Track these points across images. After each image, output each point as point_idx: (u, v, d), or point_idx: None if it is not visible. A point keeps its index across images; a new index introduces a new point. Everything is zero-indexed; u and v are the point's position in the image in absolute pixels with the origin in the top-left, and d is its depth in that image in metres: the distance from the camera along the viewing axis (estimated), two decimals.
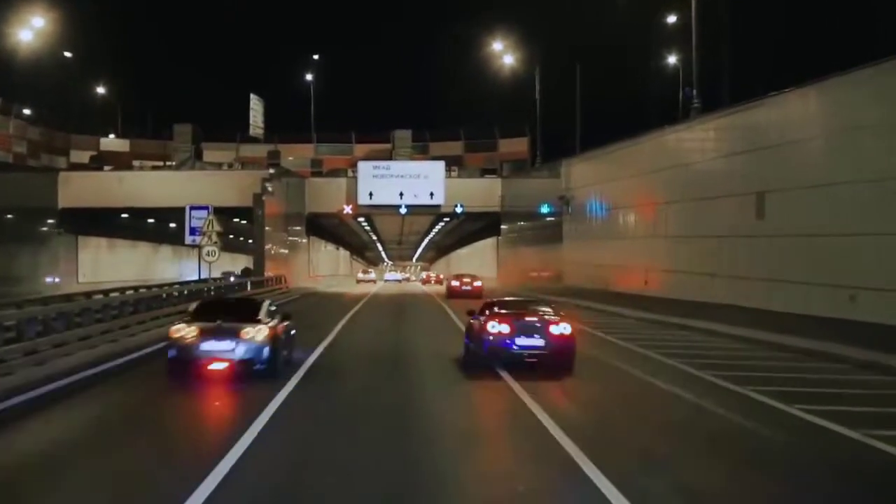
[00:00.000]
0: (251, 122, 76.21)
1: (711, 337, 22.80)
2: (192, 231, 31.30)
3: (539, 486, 8.57)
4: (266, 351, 14.05)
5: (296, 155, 66.16)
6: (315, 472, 8.89)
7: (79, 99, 64.81)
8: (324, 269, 74.35)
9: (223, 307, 16.02)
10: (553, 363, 15.56)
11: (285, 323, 15.59)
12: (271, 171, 50.85)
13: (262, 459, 9.17)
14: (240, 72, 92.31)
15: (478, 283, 44.98)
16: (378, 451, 9.75)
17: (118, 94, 68.41)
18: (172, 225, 67.25)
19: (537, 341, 15.59)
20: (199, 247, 30.29)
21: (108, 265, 59.05)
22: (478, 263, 78.74)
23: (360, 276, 75.22)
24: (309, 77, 75.74)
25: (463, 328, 18.71)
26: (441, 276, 68.58)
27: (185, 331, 14.00)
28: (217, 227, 29.32)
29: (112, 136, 65.79)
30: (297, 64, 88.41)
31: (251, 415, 11.15)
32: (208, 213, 30.65)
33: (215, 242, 29.32)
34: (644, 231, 32.46)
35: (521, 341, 15.59)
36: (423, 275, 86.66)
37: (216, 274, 33.33)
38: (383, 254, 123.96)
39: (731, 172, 25.34)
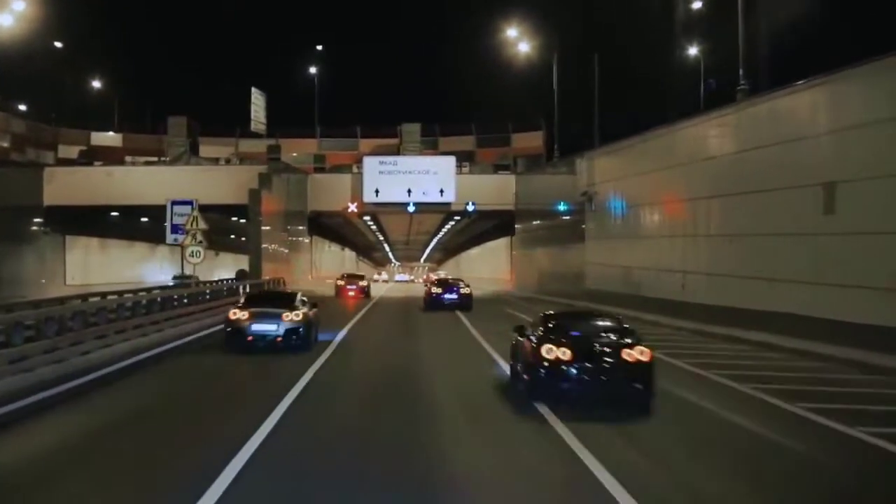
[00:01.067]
0: (252, 117, 73.03)
1: (775, 352, 19.39)
2: (175, 229, 27.98)
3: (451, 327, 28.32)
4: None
5: (298, 150, 62.83)
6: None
7: (72, 93, 61.70)
8: (328, 270, 71.13)
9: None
10: (461, 305, 33.56)
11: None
12: (271, 165, 47.56)
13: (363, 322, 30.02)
14: (241, 65, 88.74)
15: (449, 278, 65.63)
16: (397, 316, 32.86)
17: (114, 89, 65.38)
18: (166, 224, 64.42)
19: (454, 296, 34.25)
20: (181, 247, 26.97)
21: (99, 266, 56.03)
22: (489, 265, 75.66)
23: (375, 276, 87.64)
24: (312, 70, 72.62)
25: None
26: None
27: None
28: (202, 225, 26.00)
29: (112, 133, 62.54)
30: (300, 57, 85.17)
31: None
32: (192, 208, 27.31)
33: (200, 242, 25.98)
34: (680, 229, 29.04)
35: (447, 296, 34.13)
36: (425, 275, 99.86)
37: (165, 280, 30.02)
38: (390, 254, 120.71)
39: (790, 161, 21.93)
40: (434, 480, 8.57)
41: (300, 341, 18.36)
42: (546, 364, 11.68)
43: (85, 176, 48.91)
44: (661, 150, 31.21)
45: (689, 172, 28.41)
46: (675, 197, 29.50)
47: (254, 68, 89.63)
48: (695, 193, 27.82)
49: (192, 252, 26.19)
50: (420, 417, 11.78)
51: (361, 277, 47.14)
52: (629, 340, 11.98)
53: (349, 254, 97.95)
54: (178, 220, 27.82)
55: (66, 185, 47.94)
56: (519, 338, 13.51)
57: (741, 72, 26.22)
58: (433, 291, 34.48)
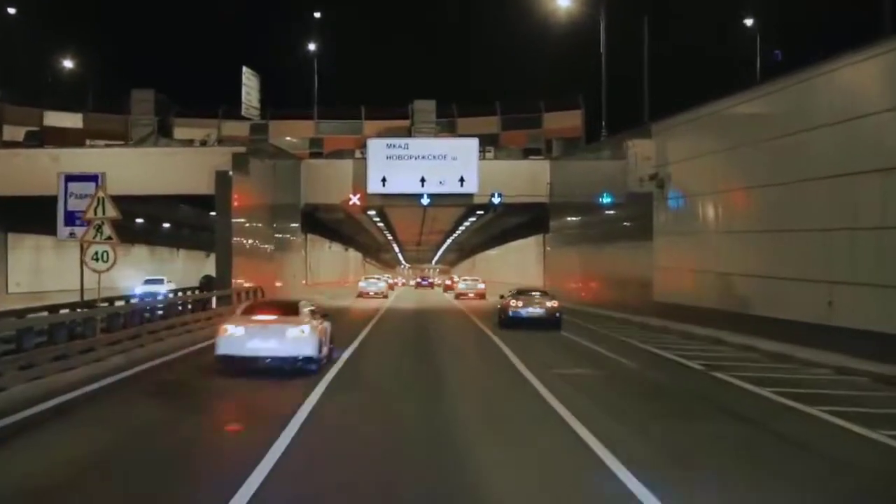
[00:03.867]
0: (244, 100, 63.96)
1: None
2: (70, 218, 18.91)
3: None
4: None
5: (292, 133, 53.81)
6: None
7: (30, 66, 53.02)
8: (328, 274, 61.96)
9: None
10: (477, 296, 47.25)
11: None
12: (252, 146, 38.56)
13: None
14: (229, 39, 78.55)
15: (437, 281, 66.86)
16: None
17: (83, 64, 56.57)
18: (139, 220, 55.47)
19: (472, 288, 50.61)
20: (81, 245, 17.90)
21: (55, 270, 47.25)
22: (514, 267, 66.59)
23: (394, 280, 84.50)
24: (312, 47, 63.62)
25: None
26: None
27: None
28: (112, 212, 17.04)
29: (71, 112, 53.43)
30: (296, 29, 76.18)
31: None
32: (97, 185, 18.32)
33: (108, 238, 17.09)
34: (821, 220, 19.92)
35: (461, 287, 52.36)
36: (430, 278, 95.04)
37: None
38: (400, 256, 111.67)
39: None
40: None
41: None
42: None
43: (27, 160, 39.88)
44: (781, 109, 22.05)
45: (839, 136, 19.27)
46: (810, 173, 20.35)
47: (245, 43, 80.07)
48: (852, 167, 18.67)
49: (98, 254, 17.17)
50: None
51: (293, 310, 15.96)
52: None
53: (354, 255, 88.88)
54: (76, 206, 18.82)
55: (4, 172, 39.09)
56: None
57: None
58: (512, 305, 27.03)
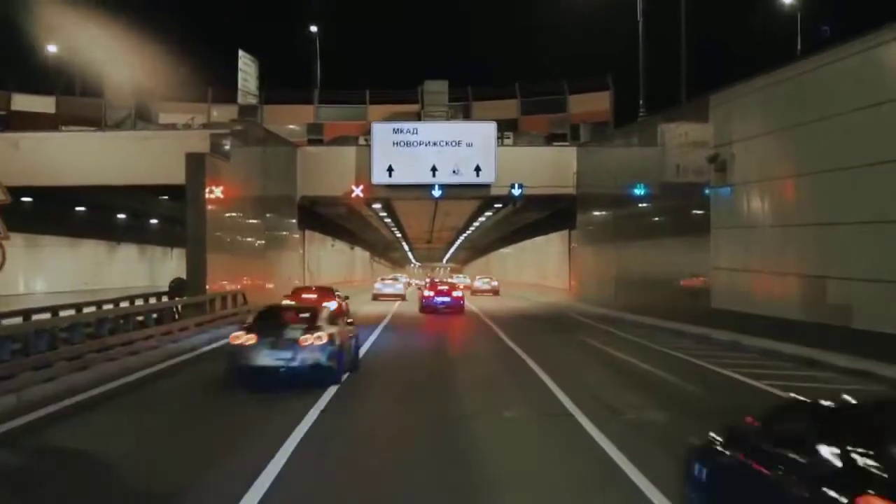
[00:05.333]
0: (240, 87, 59.15)
1: None
2: None
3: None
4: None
5: (290, 119, 48.86)
6: None
7: (8, 48, 48.35)
8: (331, 274, 57.12)
9: None
10: (466, 288, 50.13)
11: None
12: (236, 127, 33.70)
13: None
14: (225, 19, 73.21)
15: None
16: None
17: (64, 45, 51.84)
18: (122, 216, 50.87)
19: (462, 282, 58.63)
20: None
21: (31, 273, 42.81)
22: (534, 266, 61.73)
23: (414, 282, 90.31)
24: (313, 29, 58.90)
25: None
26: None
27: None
28: (2, 197, 12.28)
29: (43, 96, 48.59)
30: (296, 10, 71.20)
31: None
32: None
33: None
34: None
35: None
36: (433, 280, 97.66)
37: None
38: (410, 254, 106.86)
39: None
40: None
41: None
42: None
43: None
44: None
45: None
46: None
47: (241, 22, 74.80)
48: None
49: None
50: None
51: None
52: None
53: (361, 254, 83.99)
54: None
55: None
56: None
57: None
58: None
